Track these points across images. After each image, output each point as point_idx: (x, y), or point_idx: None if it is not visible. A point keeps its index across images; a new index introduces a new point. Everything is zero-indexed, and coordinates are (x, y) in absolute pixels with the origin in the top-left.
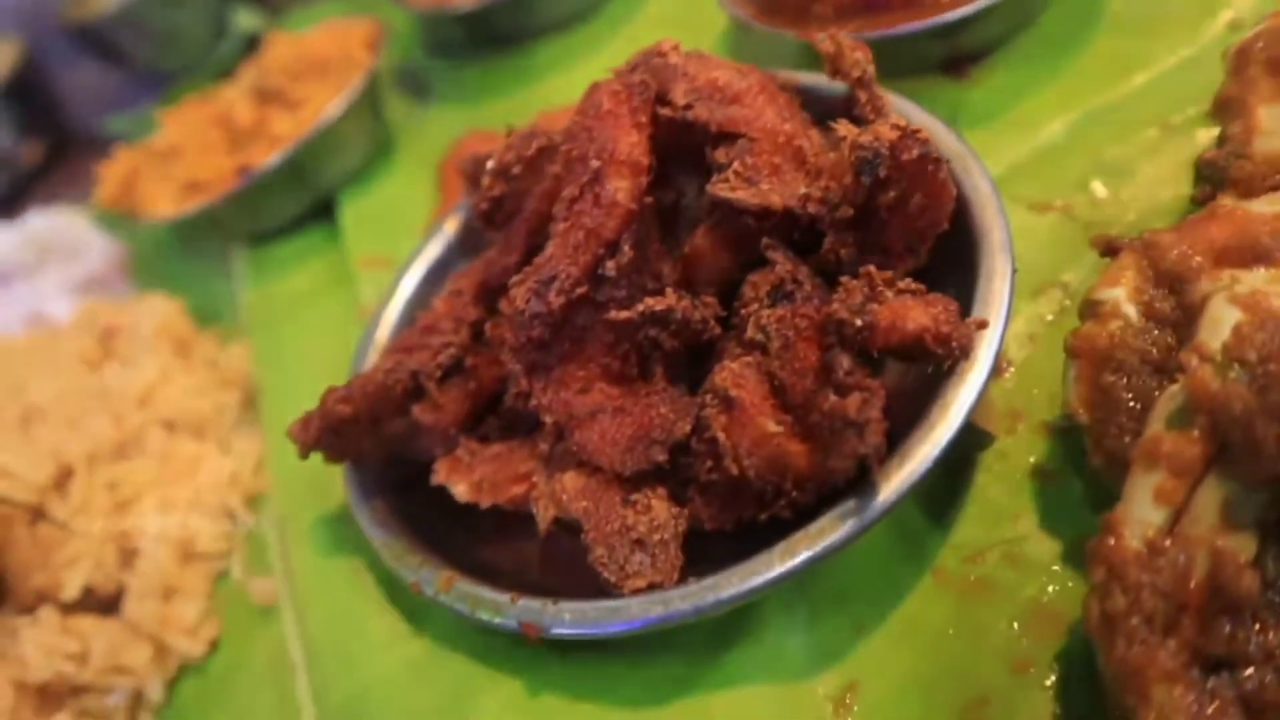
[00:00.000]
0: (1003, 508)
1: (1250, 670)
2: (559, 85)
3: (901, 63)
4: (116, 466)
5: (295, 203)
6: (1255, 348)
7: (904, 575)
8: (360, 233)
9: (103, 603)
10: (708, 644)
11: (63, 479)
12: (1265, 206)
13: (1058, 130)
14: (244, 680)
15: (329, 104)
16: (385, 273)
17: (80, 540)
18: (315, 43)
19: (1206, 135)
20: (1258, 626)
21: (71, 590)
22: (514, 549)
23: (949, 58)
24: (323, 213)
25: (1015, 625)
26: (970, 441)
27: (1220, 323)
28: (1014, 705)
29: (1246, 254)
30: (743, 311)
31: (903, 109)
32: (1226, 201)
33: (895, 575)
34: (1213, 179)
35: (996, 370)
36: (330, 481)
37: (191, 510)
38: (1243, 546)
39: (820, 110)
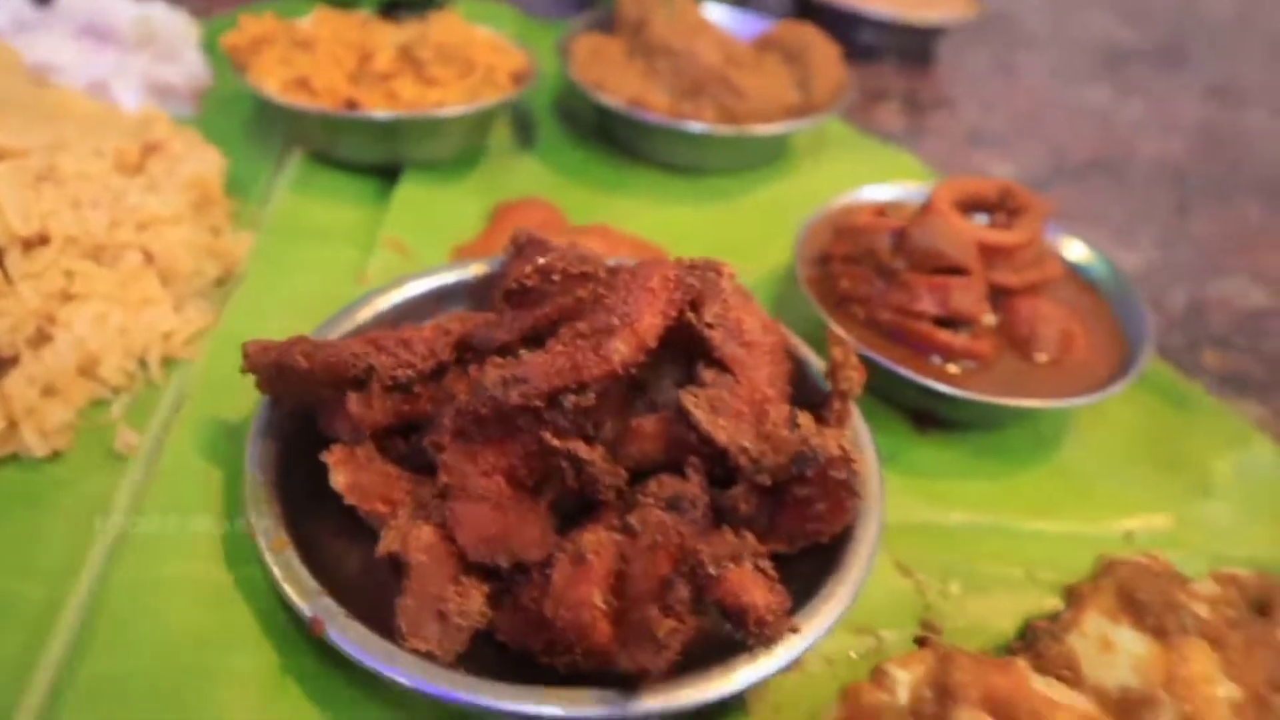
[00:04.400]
0: None
1: None
2: (633, 213)
3: (882, 389)
4: (84, 263)
5: (370, 154)
6: None
7: None
8: (400, 213)
9: None
10: None
11: (36, 244)
12: (1043, 687)
13: (958, 520)
14: (57, 499)
15: (454, 102)
16: (396, 256)
17: (14, 301)
18: (473, 43)
19: (1054, 604)
20: None
21: None
22: (342, 547)
23: (921, 410)
24: (385, 172)
25: None
26: (734, 710)
27: None
28: None
29: (1005, 712)
30: (639, 497)
31: (860, 433)
32: (1021, 663)
33: None
34: (1028, 640)
35: (794, 666)
36: (249, 394)
37: (116, 336)
38: None
39: (802, 381)
